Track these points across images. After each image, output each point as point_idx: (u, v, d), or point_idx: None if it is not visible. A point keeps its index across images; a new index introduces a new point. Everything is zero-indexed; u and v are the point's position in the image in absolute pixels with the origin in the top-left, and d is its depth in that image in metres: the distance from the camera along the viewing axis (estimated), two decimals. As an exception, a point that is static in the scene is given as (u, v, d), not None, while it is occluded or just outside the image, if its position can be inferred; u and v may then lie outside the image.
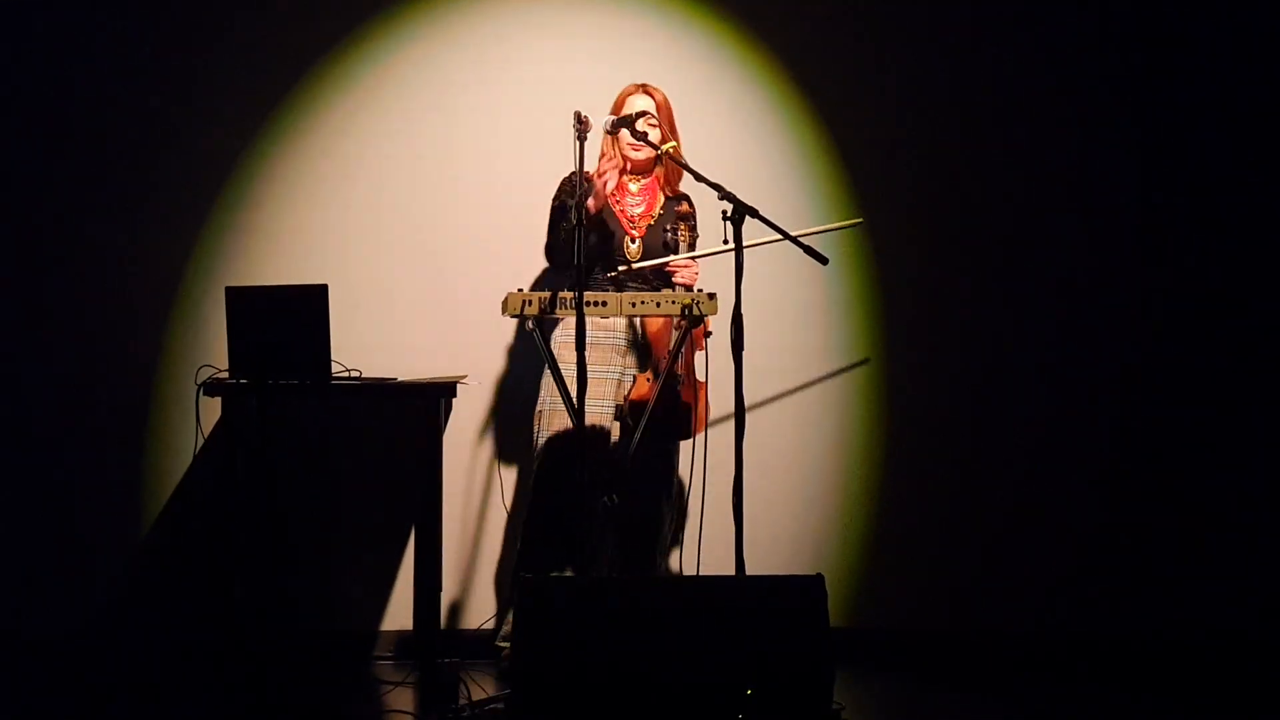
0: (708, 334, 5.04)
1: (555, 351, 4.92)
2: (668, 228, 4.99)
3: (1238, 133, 5.64)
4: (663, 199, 5.11)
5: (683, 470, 4.98)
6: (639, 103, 5.02)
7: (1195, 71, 5.64)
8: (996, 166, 5.62)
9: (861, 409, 5.59)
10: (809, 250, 4.66)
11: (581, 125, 4.70)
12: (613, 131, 4.90)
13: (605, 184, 4.98)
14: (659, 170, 5.11)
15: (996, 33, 5.63)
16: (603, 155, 5.11)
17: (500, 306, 4.78)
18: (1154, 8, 5.64)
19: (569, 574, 4.89)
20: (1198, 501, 5.58)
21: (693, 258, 4.94)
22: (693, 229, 5.00)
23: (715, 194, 4.61)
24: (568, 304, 4.63)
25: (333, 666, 5.26)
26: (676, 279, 4.93)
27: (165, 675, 5.12)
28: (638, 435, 4.79)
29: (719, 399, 5.13)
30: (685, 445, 5.09)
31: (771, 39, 5.59)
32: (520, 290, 4.74)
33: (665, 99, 5.04)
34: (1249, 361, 5.62)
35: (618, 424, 4.97)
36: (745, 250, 4.58)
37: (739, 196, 4.59)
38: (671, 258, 4.92)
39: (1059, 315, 5.61)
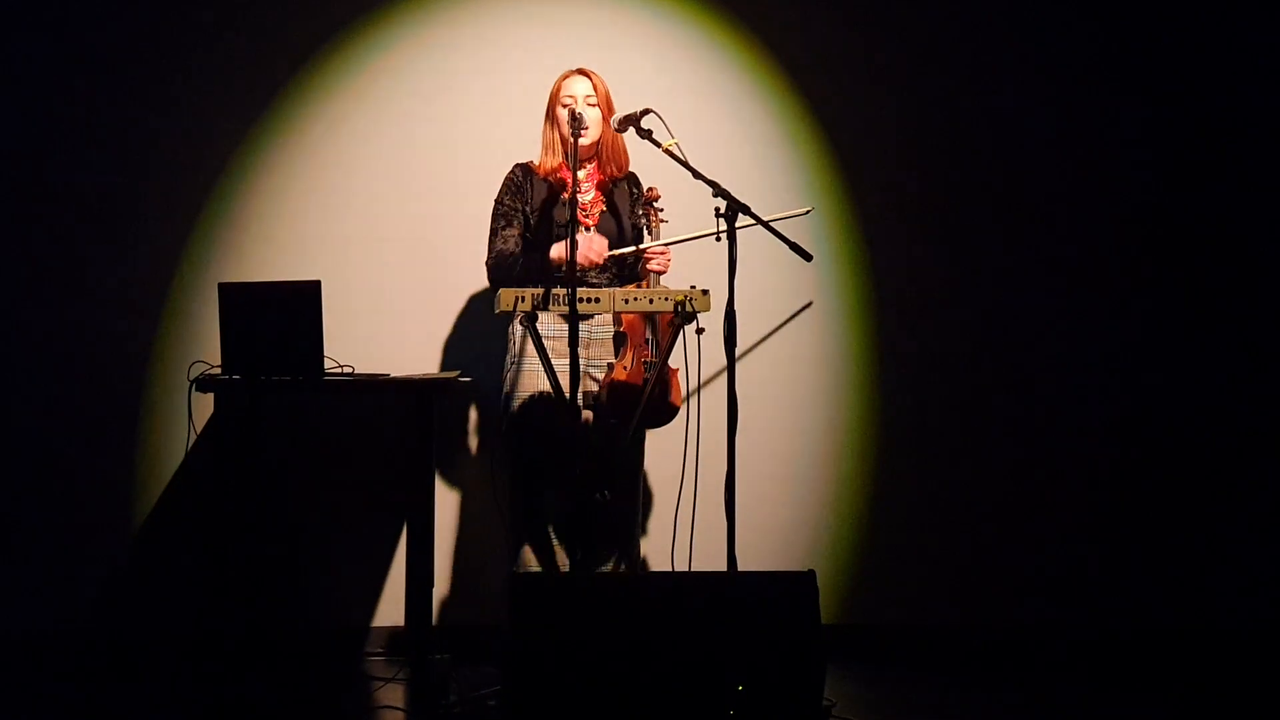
0: (700, 330, 5.02)
1: (520, 347, 4.90)
2: (640, 213, 4.96)
3: (1235, 127, 5.66)
4: (607, 184, 5.04)
5: (674, 465, 4.97)
6: (577, 85, 4.95)
7: (1192, 67, 5.65)
8: (991, 160, 5.63)
9: (854, 404, 5.59)
10: (794, 247, 4.66)
11: (576, 123, 4.71)
12: (621, 129, 4.86)
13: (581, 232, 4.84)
14: (599, 153, 5.03)
15: (991, 24, 5.64)
16: (546, 147, 5.00)
17: (493, 303, 4.78)
18: (1150, 4, 5.66)
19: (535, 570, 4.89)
20: (1193, 497, 5.60)
21: (668, 244, 4.90)
22: (660, 214, 4.93)
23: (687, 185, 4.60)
24: (561, 301, 4.62)
25: (324, 663, 5.26)
26: (650, 266, 4.87)
27: (156, 671, 5.12)
28: (635, 420, 4.79)
29: (712, 394, 5.14)
30: (672, 439, 5.07)
31: (762, 32, 5.60)
32: (513, 286, 4.75)
33: (603, 81, 4.98)
34: (1245, 357, 5.63)
35: (589, 412, 4.94)
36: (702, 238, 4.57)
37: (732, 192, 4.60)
38: (648, 244, 4.88)
39: (1053, 309, 5.63)
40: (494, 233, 4.98)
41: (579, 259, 4.77)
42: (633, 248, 4.91)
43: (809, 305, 5.55)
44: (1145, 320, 5.63)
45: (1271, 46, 5.66)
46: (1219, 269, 5.64)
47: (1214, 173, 5.66)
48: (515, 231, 4.95)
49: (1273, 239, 5.65)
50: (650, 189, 4.95)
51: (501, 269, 4.92)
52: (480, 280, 5.26)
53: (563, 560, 4.84)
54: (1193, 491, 5.60)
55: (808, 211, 5.10)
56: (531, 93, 5.19)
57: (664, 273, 4.88)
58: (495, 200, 5.02)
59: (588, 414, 4.89)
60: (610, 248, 4.92)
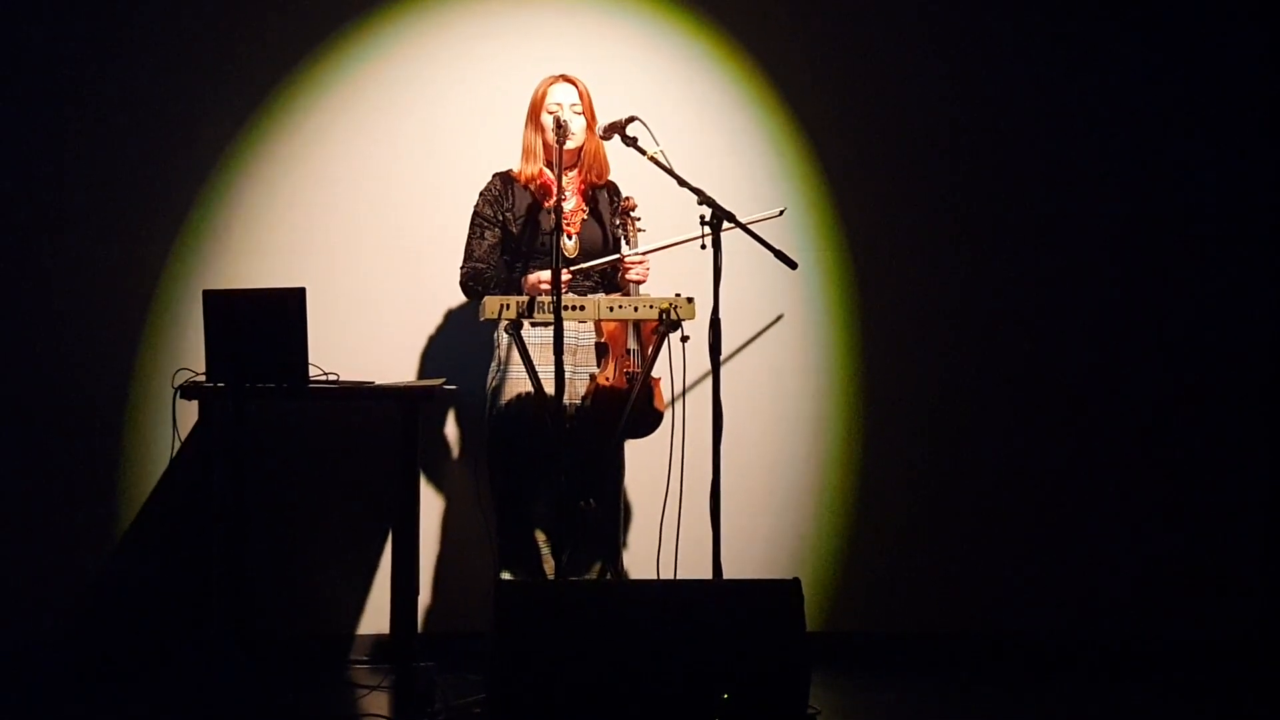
0: (685, 338, 5.02)
1: (506, 354, 4.90)
2: (616, 222, 4.95)
3: (1227, 129, 5.67)
4: (589, 191, 5.04)
5: (659, 472, 4.98)
6: (562, 92, 4.93)
7: (1185, 68, 5.65)
8: (977, 166, 5.64)
9: (838, 412, 5.60)
10: (780, 255, 4.66)
11: (562, 131, 4.70)
12: (606, 137, 4.86)
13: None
14: (581, 160, 5.02)
15: (976, 25, 5.64)
16: (527, 153, 4.99)
17: (478, 310, 4.78)
18: (1144, 4, 5.67)
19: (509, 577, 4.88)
20: (1180, 504, 5.61)
21: (649, 251, 4.89)
22: (637, 223, 4.92)
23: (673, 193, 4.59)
24: (545, 308, 4.62)
25: (308, 670, 5.25)
26: (629, 276, 4.86)
27: (140, 680, 5.10)
28: (618, 430, 4.79)
29: (696, 403, 5.14)
30: (656, 448, 5.07)
31: (745, 37, 5.60)
32: (498, 294, 4.75)
33: (587, 88, 4.97)
34: (1238, 357, 5.64)
35: (573, 415, 4.90)
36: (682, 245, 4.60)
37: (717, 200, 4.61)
38: (628, 253, 4.87)
39: (1037, 316, 5.63)
40: (469, 242, 4.99)
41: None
42: (611, 257, 4.90)
43: (780, 318, 5.55)
44: (1132, 324, 5.64)
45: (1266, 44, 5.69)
46: (1213, 272, 5.65)
47: (1211, 173, 5.66)
48: (491, 241, 4.95)
49: (1271, 239, 5.66)
50: (627, 199, 4.95)
51: (474, 280, 4.94)
52: (463, 288, 5.27)
53: (548, 567, 4.83)
54: (1180, 498, 5.61)
55: (781, 212, 5.07)
56: (514, 102, 5.18)
57: (643, 282, 4.88)
58: (473, 211, 5.01)
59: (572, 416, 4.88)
60: (593, 255, 4.91)
